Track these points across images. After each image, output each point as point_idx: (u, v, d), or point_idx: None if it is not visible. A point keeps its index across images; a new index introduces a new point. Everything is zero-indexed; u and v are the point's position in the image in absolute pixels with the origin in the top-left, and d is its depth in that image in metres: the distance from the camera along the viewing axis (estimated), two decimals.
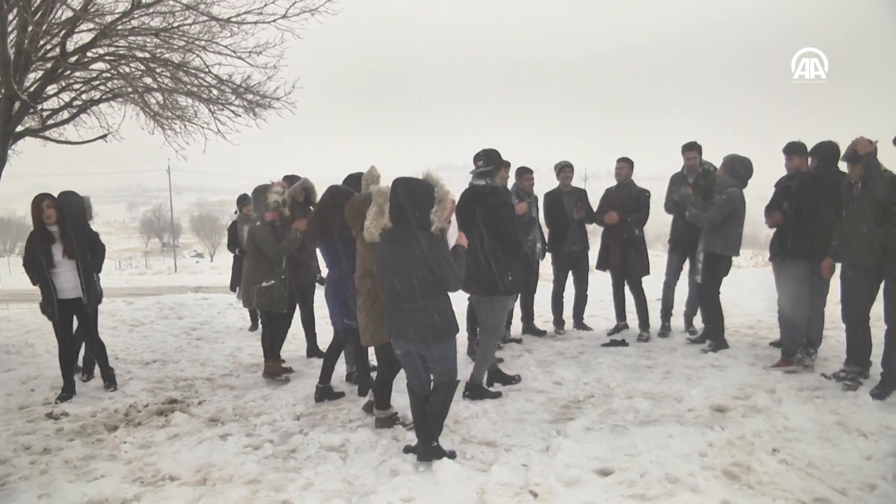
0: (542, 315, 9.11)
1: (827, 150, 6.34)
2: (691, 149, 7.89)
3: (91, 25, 7.37)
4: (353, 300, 5.70)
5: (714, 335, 7.38)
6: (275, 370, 6.78)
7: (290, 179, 7.04)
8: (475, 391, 5.96)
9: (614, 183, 8.34)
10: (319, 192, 6.37)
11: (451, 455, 4.58)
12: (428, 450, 4.52)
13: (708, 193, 7.43)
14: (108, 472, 4.59)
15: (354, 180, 5.97)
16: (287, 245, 6.51)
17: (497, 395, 5.98)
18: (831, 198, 6.16)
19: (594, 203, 8.49)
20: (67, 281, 6.25)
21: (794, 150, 6.66)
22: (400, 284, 4.46)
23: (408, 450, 4.70)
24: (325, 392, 6.04)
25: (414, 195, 4.41)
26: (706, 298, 7.38)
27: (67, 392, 6.32)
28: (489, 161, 6.03)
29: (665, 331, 8.35)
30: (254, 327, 9.64)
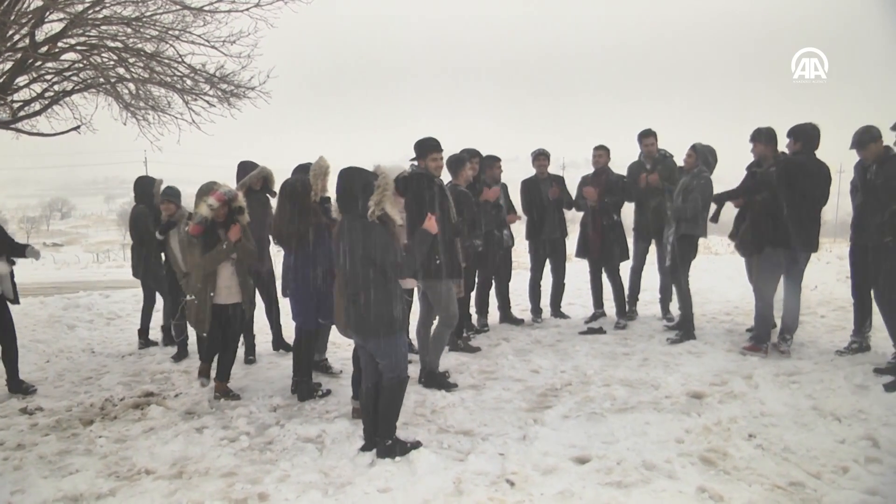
0: (520, 304, 9.12)
1: (810, 134, 6.37)
2: (649, 135, 8.11)
3: (61, 15, 7.22)
4: (324, 298, 5.68)
5: (683, 324, 7.44)
6: (220, 389, 5.96)
7: (245, 166, 6.99)
8: (430, 378, 6.00)
9: (591, 170, 8.38)
10: (279, 182, 6.21)
11: (416, 445, 4.54)
12: (383, 448, 4.46)
13: (671, 178, 7.64)
14: (83, 466, 4.53)
15: (303, 171, 5.94)
16: (210, 260, 5.70)
17: (453, 385, 5.97)
18: (815, 185, 6.25)
19: (572, 190, 8.50)
20: None
21: (757, 136, 6.72)
22: (344, 274, 4.51)
23: (364, 448, 4.61)
24: (306, 388, 5.89)
25: (352, 184, 4.40)
26: (678, 283, 7.41)
27: None
28: (418, 150, 6.10)
29: (632, 314, 8.48)
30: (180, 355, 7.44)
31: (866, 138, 6.01)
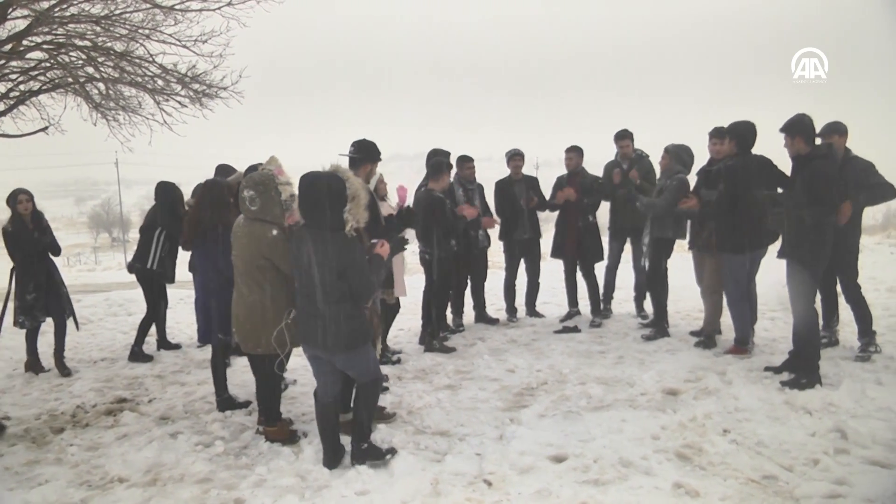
0: (495, 303, 9.12)
1: (743, 132, 6.28)
2: (624, 137, 8.09)
3: (26, 12, 7.08)
4: (218, 309, 5.42)
5: (658, 322, 7.49)
6: (283, 432, 4.99)
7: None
8: None
9: (566, 171, 8.39)
10: None
11: (392, 451, 4.45)
12: (358, 452, 4.36)
13: (647, 178, 7.68)
14: (53, 476, 4.44)
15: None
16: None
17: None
18: (734, 187, 6.19)
19: (546, 191, 8.51)
20: None
21: (718, 134, 6.69)
22: (307, 287, 4.19)
23: (326, 464, 4.42)
24: (227, 403, 5.65)
25: (318, 193, 4.08)
26: (656, 283, 7.44)
27: None
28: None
29: (607, 312, 8.51)
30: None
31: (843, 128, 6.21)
